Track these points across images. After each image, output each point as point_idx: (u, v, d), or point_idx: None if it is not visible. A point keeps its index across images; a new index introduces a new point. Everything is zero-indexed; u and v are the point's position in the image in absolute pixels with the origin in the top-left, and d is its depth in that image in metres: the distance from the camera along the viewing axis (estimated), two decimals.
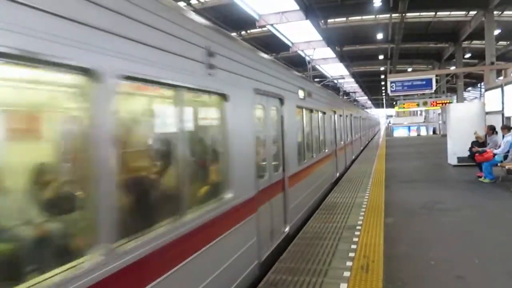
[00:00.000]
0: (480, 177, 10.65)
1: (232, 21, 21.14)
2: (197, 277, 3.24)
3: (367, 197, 8.75)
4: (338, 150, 12.01)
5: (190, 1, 18.30)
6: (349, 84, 51.04)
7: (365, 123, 27.13)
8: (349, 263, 4.68)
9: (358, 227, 6.25)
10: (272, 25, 22.44)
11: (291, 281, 4.25)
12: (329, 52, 31.21)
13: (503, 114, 12.23)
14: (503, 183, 10.00)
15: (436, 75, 24.18)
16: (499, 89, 12.65)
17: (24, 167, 2.06)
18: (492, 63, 19.81)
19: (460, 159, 13.37)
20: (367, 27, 25.83)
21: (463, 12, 23.19)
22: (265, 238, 4.92)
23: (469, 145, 11.60)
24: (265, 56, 6.26)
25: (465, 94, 48.08)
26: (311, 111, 8.34)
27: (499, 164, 10.26)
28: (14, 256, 1.99)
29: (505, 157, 10.42)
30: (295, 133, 6.86)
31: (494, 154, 10.31)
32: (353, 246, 5.31)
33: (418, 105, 30.54)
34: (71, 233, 2.33)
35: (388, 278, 4.27)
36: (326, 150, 10.03)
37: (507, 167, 10.00)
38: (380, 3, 18.74)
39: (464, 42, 27.97)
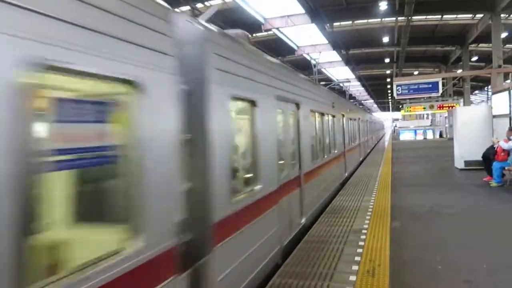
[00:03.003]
0: (490, 181, 10.57)
1: (238, 25, 21.19)
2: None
3: (373, 200, 8.71)
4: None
5: (196, 5, 18.42)
6: (355, 87, 50.96)
7: (364, 127, 22.35)
8: (355, 267, 4.66)
9: (364, 231, 6.22)
10: (277, 28, 22.50)
11: (297, 285, 4.23)
12: (335, 56, 31.21)
13: (510, 118, 12.14)
14: (511, 187, 9.91)
15: (443, 78, 24.08)
16: (506, 92, 12.56)
17: None
18: (499, 66, 19.68)
19: (467, 162, 13.27)
20: (373, 31, 25.80)
21: (470, 15, 23.10)
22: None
23: (483, 149, 11.52)
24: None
25: (472, 98, 47.74)
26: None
27: (506, 168, 10.17)
28: None
29: None
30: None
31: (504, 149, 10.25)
32: (359, 250, 5.28)
33: (424, 108, 30.34)
34: None
35: (394, 283, 4.24)
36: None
37: None
38: (386, 7, 18.72)
39: (471, 45, 27.81)
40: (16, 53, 1.63)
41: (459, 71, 31.71)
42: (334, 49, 27.95)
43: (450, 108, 26.75)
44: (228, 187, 3.56)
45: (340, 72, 39.35)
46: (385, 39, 25.85)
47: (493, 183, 10.28)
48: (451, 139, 19.79)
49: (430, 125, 53.07)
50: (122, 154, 2.37)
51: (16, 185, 1.61)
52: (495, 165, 10.35)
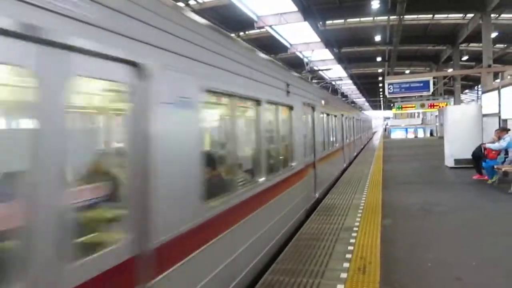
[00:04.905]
0: (484, 179, 10.71)
1: (230, 22, 21.15)
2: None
3: (364, 198, 8.76)
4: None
5: (189, 2, 18.29)
6: (347, 86, 51.15)
7: (349, 126, 18.19)
8: (346, 265, 4.68)
9: (355, 229, 6.25)
10: (270, 26, 22.45)
11: (288, 282, 4.24)
12: (327, 54, 31.26)
13: (499, 117, 12.26)
14: (499, 185, 10.03)
15: (434, 77, 24.28)
16: (496, 92, 12.66)
17: None
18: (489, 66, 19.88)
19: (457, 161, 13.41)
20: (365, 29, 25.88)
21: (461, 15, 23.28)
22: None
23: (472, 147, 11.64)
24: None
25: (462, 97, 48.27)
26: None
27: (495, 167, 10.29)
28: None
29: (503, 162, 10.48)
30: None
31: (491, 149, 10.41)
32: (350, 248, 5.31)
33: (415, 107, 30.61)
34: None
35: (385, 280, 4.27)
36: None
37: (503, 169, 10.04)
38: (378, 5, 18.79)
39: (461, 45, 28.06)
40: None
41: (450, 70, 32.00)
42: (326, 47, 27.99)
43: (441, 107, 27.02)
44: None
45: (333, 71, 39.43)
46: (377, 38, 25.96)
47: (490, 180, 10.45)
48: (442, 137, 19.97)
49: (421, 124, 53.51)
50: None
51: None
52: (486, 163, 10.49)
